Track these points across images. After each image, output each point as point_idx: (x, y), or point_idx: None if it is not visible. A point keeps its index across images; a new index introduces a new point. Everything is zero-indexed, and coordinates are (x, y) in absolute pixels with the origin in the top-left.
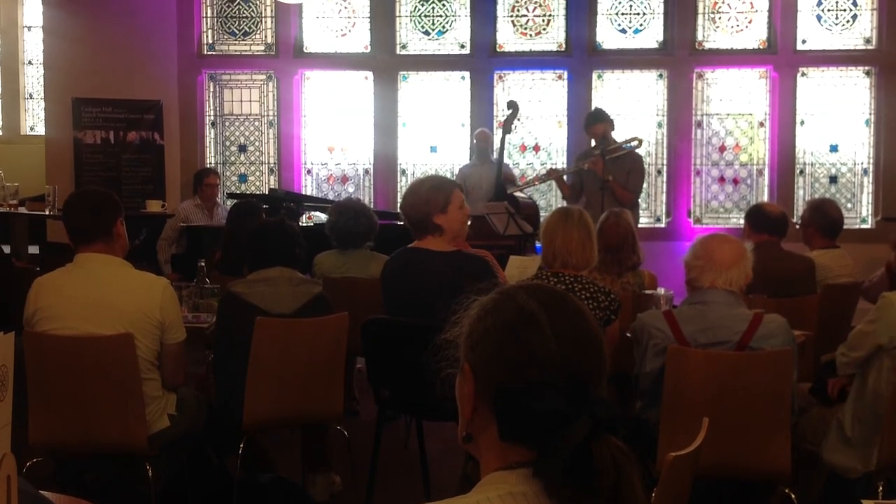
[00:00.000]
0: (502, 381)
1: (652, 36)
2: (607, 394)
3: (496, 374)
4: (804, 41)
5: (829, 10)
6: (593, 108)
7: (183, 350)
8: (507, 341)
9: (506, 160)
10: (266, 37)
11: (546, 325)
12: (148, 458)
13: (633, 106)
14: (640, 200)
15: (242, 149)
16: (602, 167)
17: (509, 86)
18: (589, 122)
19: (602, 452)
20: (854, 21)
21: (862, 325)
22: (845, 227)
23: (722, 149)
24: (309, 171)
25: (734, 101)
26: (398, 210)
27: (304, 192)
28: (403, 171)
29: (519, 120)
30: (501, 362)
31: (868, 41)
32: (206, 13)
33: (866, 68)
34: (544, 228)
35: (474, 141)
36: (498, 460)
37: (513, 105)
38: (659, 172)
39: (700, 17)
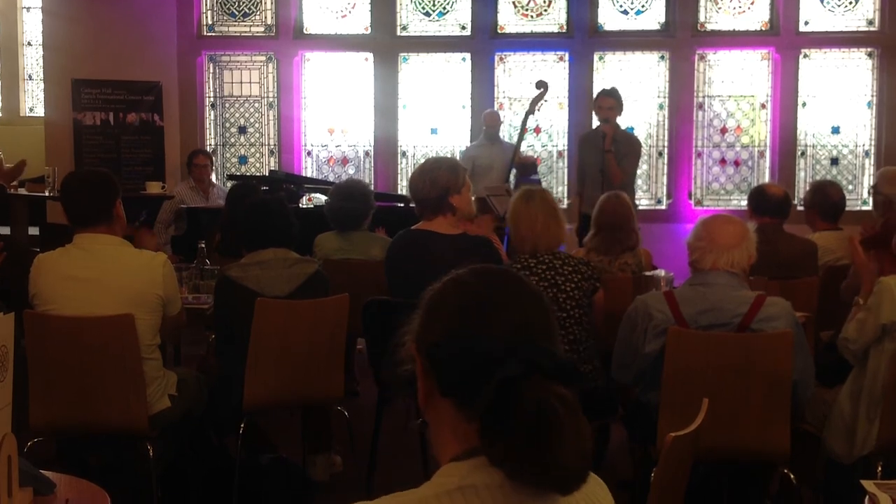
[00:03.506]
0: (439, 337)
1: (654, 17)
2: (591, 366)
3: (432, 333)
4: (806, 23)
5: None
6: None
7: (182, 314)
8: (435, 302)
9: (508, 142)
10: (266, 18)
11: (475, 283)
12: (149, 438)
13: (635, 88)
14: (640, 182)
15: (242, 130)
16: (611, 136)
17: (510, 67)
18: (604, 94)
19: (530, 394)
20: (856, 3)
21: (860, 314)
22: (847, 209)
23: (723, 131)
24: (309, 153)
25: (736, 83)
26: (398, 192)
27: (304, 174)
28: (404, 154)
29: (546, 101)
30: (435, 321)
31: (870, 23)
32: None
33: (868, 50)
34: (509, 214)
35: (483, 124)
36: (454, 446)
37: (542, 85)
38: (660, 154)
39: None
